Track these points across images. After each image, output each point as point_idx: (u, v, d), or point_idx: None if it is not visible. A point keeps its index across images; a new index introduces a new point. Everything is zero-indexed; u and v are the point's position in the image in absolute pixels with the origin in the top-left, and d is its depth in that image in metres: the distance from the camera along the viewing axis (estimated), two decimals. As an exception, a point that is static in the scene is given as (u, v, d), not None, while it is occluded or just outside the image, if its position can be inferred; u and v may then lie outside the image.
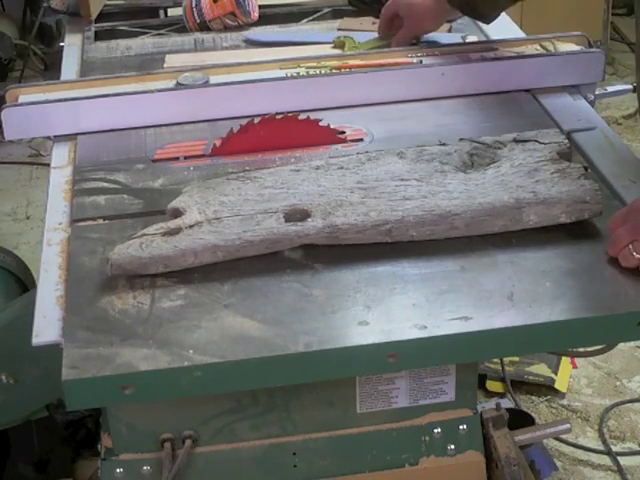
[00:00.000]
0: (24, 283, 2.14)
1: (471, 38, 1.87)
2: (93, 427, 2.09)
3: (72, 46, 2.00)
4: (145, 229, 1.32)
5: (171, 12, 2.18)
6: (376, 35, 1.88)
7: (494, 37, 1.89)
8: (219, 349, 1.17)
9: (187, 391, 1.18)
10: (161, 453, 1.36)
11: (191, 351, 1.16)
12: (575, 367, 2.50)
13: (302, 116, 1.58)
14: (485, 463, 1.46)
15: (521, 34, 1.91)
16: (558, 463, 2.21)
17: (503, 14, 1.87)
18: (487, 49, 1.77)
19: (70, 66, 1.91)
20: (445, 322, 1.20)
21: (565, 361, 2.47)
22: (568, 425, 1.63)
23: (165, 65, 1.86)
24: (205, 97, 1.67)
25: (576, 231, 1.34)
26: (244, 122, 1.57)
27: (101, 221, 1.42)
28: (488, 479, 1.47)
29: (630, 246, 1.25)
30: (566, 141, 1.48)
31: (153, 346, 1.17)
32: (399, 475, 1.44)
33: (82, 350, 1.17)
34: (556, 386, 2.42)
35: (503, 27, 1.92)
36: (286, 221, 1.32)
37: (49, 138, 1.67)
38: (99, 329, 1.20)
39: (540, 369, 2.44)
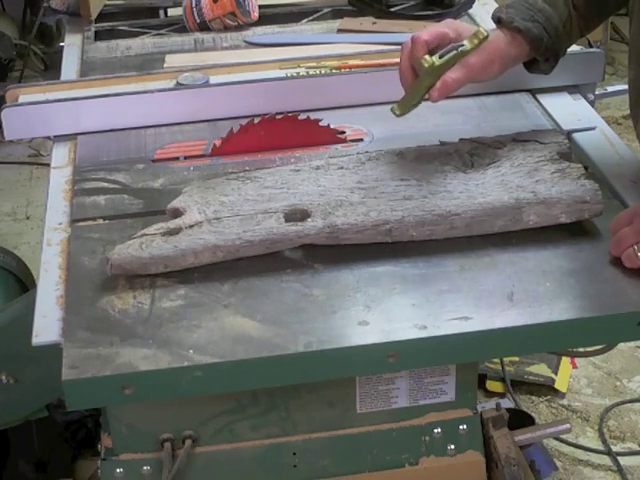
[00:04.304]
0: (24, 283, 2.14)
1: (471, 38, 1.87)
2: (93, 427, 2.09)
3: (72, 46, 2.00)
4: (145, 229, 1.32)
5: (171, 12, 2.18)
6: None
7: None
8: (219, 349, 1.17)
9: (187, 391, 1.18)
10: (161, 453, 1.36)
11: (191, 351, 1.16)
12: (575, 367, 2.50)
13: (302, 116, 1.58)
14: (485, 463, 1.46)
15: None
16: (558, 463, 2.21)
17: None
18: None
19: (70, 66, 1.91)
20: (445, 322, 1.20)
21: (565, 361, 2.47)
22: (568, 425, 1.63)
23: (165, 65, 1.86)
24: (205, 97, 1.67)
25: (576, 231, 1.34)
26: (244, 122, 1.57)
27: (101, 221, 1.42)
28: (488, 479, 1.47)
29: (635, 247, 1.24)
30: (566, 141, 1.48)
31: (153, 346, 1.17)
32: (399, 475, 1.44)
33: (82, 350, 1.17)
34: (556, 386, 2.42)
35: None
36: (286, 221, 1.32)
37: (49, 138, 1.67)
38: (99, 329, 1.20)
39: (540, 369, 2.44)
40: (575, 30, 1.46)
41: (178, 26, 2.07)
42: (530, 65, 1.49)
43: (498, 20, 1.44)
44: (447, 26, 1.43)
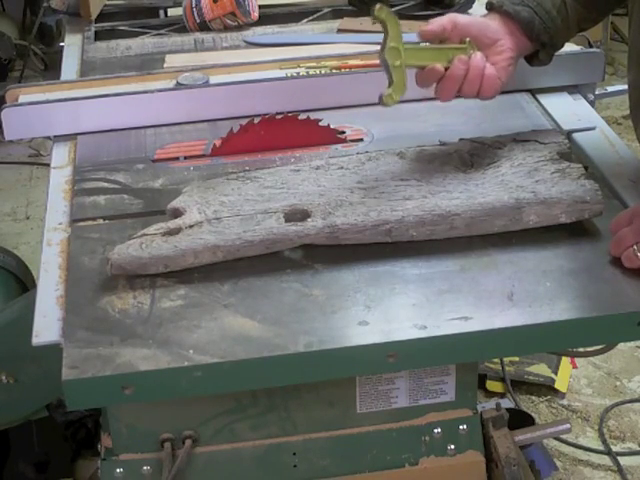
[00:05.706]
0: (24, 283, 2.14)
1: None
2: (93, 427, 2.09)
3: (72, 46, 2.00)
4: (145, 229, 1.32)
5: (171, 12, 2.18)
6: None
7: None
8: (219, 349, 1.17)
9: (187, 391, 1.18)
10: (161, 453, 1.36)
11: (191, 351, 1.16)
12: (575, 367, 2.50)
13: (302, 116, 1.58)
14: (485, 463, 1.46)
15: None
16: (558, 463, 2.21)
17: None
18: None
19: (70, 66, 1.91)
20: (445, 322, 1.20)
21: (565, 361, 2.47)
22: (568, 425, 1.63)
23: (165, 65, 1.86)
24: (205, 97, 1.67)
25: (576, 231, 1.34)
26: (244, 122, 1.57)
27: (101, 221, 1.42)
28: (488, 479, 1.47)
29: (635, 247, 1.24)
30: (566, 141, 1.48)
31: (153, 346, 1.17)
32: (399, 475, 1.44)
33: (82, 350, 1.17)
34: (556, 386, 2.42)
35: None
36: (286, 221, 1.32)
37: (49, 138, 1.67)
38: (99, 329, 1.20)
39: (540, 369, 2.44)
40: (573, 20, 1.46)
41: (178, 26, 2.08)
42: (531, 59, 1.49)
43: (490, 7, 1.45)
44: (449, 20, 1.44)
